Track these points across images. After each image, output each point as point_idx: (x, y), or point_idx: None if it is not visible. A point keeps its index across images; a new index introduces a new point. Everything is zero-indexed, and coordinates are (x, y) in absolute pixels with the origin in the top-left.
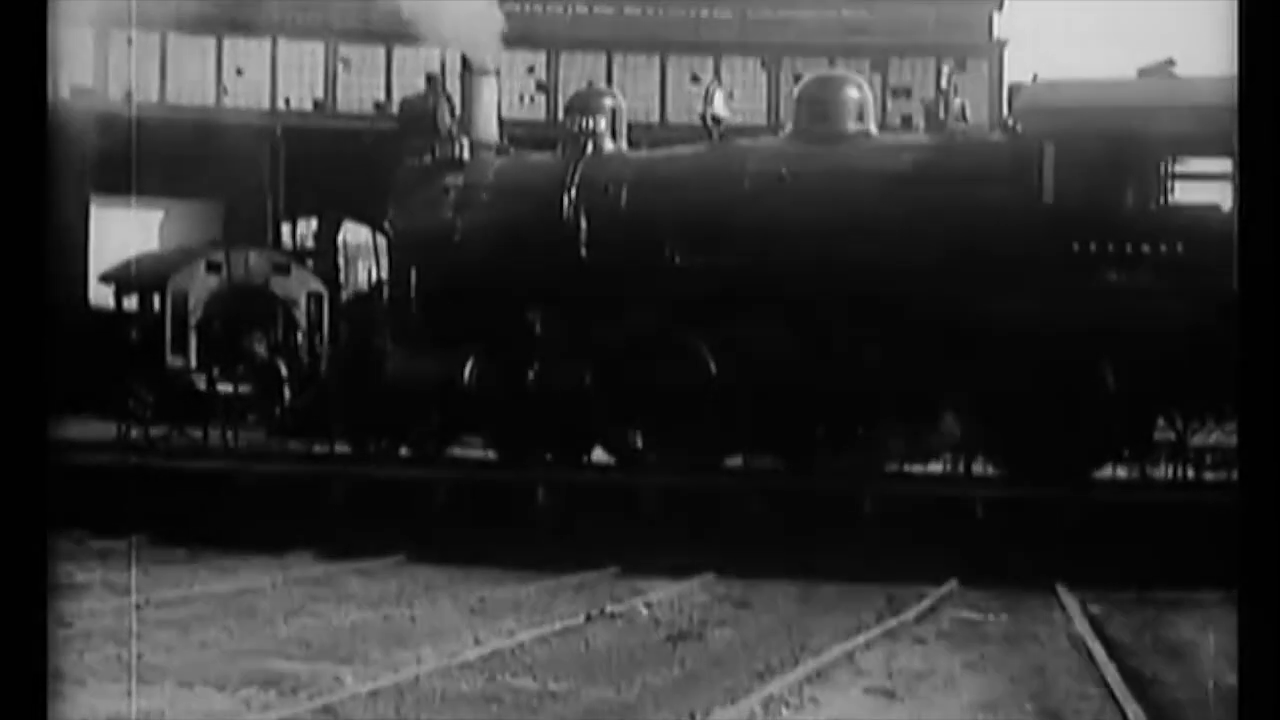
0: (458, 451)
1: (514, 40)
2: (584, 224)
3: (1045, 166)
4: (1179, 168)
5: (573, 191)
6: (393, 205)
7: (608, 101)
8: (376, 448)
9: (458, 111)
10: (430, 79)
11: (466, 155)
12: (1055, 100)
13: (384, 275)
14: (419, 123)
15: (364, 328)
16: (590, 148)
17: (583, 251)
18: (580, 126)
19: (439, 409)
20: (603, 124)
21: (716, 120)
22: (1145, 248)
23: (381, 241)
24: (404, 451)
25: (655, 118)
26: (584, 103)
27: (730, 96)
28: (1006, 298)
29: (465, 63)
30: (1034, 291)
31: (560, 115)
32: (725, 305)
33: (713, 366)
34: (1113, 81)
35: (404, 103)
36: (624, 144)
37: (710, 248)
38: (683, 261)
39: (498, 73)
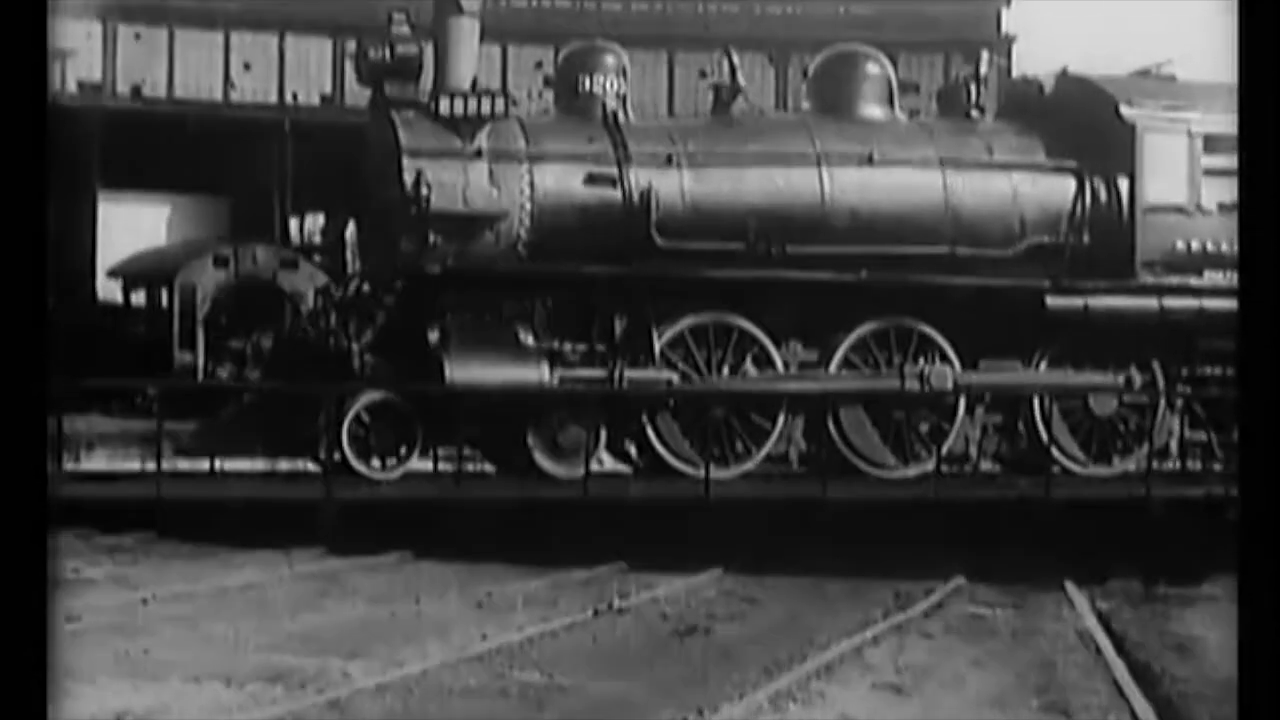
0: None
1: (522, 35)
2: (654, 203)
3: (1144, 160)
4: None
5: (630, 165)
6: (407, 165)
7: (610, 59)
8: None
9: (429, 55)
10: (394, 17)
11: (485, 110)
12: (1161, 95)
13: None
14: (402, 68)
15: (408, 320)
16: (620, 115)
17: (654, 233)
18: (602, 88)
19: (531, 416)
20: (623, 87)
21: (735, 91)
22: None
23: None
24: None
25: (664, 112)
26: (584, 60)
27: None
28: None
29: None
30: (1130, 286)
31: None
32: (804, 294)
33: (779, 362)
34: (1203, 83)
35: (364, 45)
36: (630, 109)
37: (801, 232)
38: (770, 248)
39: (479, 15)
